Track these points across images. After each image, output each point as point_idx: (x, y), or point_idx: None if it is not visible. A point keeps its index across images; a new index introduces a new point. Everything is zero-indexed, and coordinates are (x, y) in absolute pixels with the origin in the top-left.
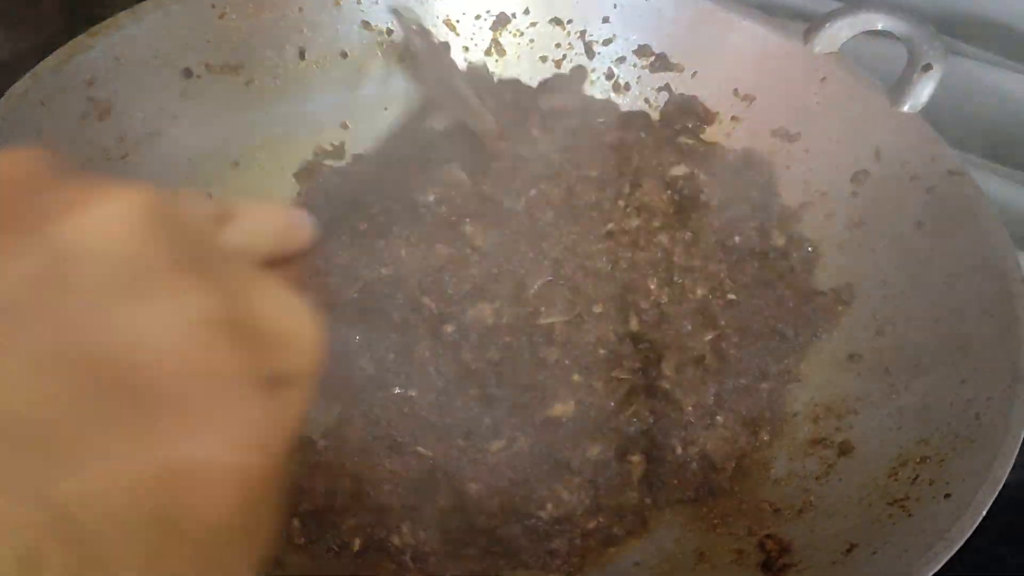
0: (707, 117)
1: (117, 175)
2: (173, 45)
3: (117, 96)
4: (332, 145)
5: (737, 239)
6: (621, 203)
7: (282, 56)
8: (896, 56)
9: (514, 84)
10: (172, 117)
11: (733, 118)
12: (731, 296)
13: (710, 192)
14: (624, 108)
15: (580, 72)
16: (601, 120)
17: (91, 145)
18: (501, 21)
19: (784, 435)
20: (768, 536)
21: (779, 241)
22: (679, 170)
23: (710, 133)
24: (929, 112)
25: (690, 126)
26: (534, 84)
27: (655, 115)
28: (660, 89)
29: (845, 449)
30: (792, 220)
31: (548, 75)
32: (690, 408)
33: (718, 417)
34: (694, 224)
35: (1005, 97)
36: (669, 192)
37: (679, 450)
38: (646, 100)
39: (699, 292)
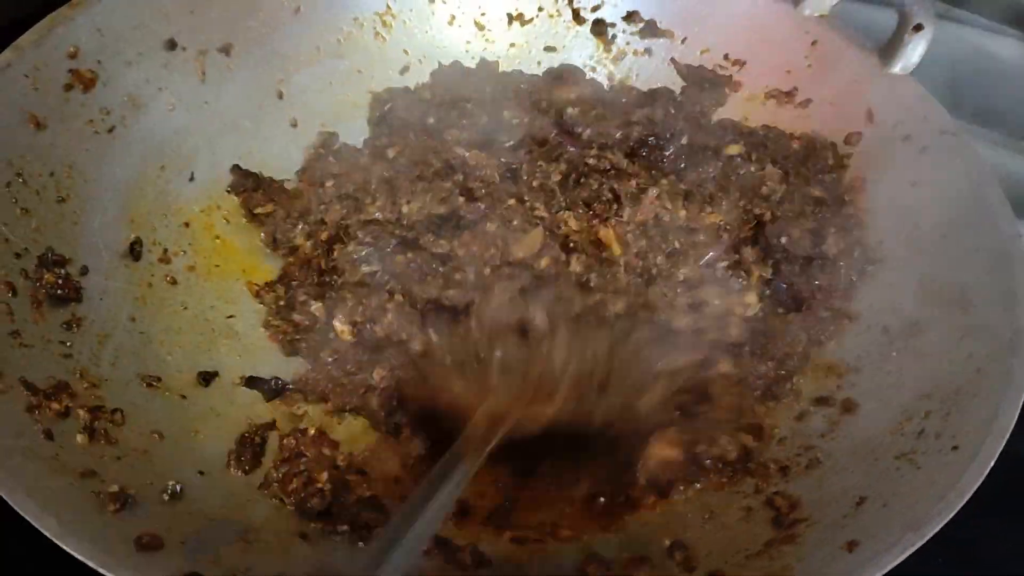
0: (718, 81)
1: (103, 149)
2: (155, 15)
3: (101, 68)
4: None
5: (784, 240)
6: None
7: (267, 25)
8: (883, 23)
9: (520, 77)
10: (157, 89)
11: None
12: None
13: (772, 185)
14: (617, 78)
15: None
16: (624, 100)
17: (77, 118)
18: None
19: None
20: (776, 493)
21: (833, 250)
22: (734, 149)
23: None
24: (918, 78)
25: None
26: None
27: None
28: (645, 52)
29: (848, 407)
30: (857, 227)
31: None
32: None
33: None
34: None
35: (994, 62)
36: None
37: None
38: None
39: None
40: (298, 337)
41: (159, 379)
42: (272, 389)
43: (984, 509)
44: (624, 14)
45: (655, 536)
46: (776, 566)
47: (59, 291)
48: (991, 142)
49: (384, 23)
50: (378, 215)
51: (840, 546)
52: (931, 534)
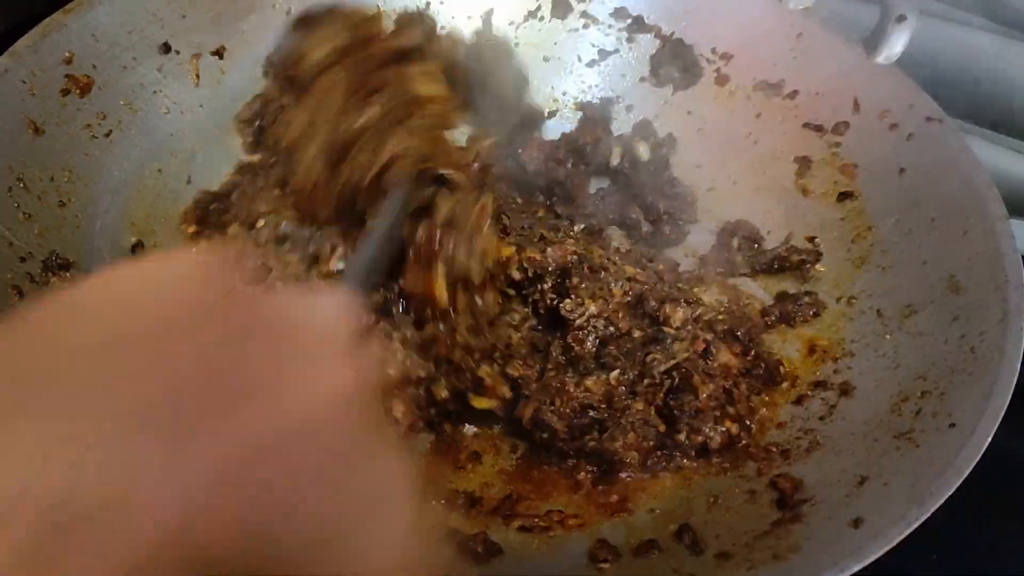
0: (694, 65)
1: (101, 154)
2: (148, 20)
3: (96, 73)
4: None
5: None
6: None
7: (259, 28)
8: (866, 18)
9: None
10: (152, 93)
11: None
12: None
13: None
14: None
15: None
16: None
17: (75, 123)
18: None
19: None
20: (779, 475)
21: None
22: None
23: (698, 93)
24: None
25: (676, 75)
26: None
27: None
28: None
29: (845, 389)
30: None
31: None
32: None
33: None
34: None
35: (980, 58)
36: None
37: None
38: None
39: None
40: None
41: None
42: None
43: (979, 508)
44: (611, 10)
45: (662, 521)
46: (783, 545)
47: None
48: (978, 137)
49: None
50: None
51: (846, 524)
52: (933, 508)
